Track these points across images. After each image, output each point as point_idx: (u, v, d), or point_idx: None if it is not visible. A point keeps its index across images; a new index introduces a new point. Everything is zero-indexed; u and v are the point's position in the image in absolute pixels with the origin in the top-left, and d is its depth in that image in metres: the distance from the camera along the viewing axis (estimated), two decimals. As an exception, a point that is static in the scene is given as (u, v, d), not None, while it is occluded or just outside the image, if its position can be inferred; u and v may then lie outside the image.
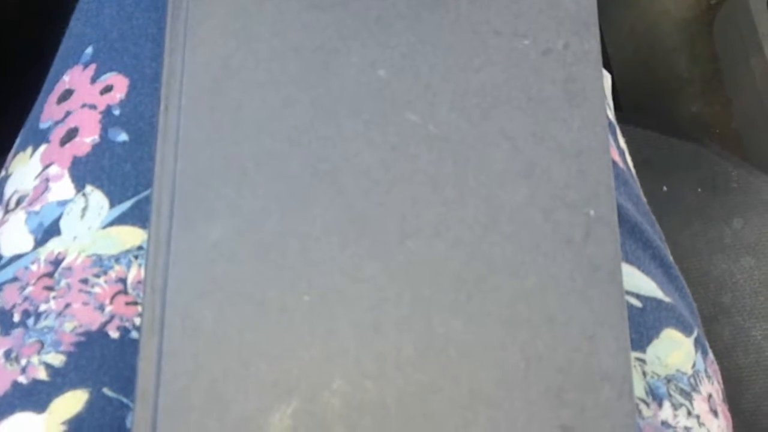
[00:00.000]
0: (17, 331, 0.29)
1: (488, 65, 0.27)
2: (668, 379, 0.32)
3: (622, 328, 0.25)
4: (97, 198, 0.31)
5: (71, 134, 0.33)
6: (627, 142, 0.39)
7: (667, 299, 0.33)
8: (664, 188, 0.47)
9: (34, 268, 0.30)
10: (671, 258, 0.36)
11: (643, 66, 0.60)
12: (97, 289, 0.30)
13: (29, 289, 0.30)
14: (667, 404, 0.31)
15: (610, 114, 0.39)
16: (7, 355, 0.29)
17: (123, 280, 0.30)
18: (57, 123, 0.34)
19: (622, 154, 0.38)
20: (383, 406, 0.24)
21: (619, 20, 0.57)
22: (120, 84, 0.33)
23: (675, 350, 0.32)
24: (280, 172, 0.26)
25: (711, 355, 0.35)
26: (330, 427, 0.24)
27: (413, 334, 0.25)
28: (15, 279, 0.31)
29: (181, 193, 0.26)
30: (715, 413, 0.33)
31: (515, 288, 0.25)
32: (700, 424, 0.31)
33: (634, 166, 0.38)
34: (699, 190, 0.48)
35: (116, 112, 0.33)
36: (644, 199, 0.38)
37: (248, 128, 0.27)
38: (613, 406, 0.24)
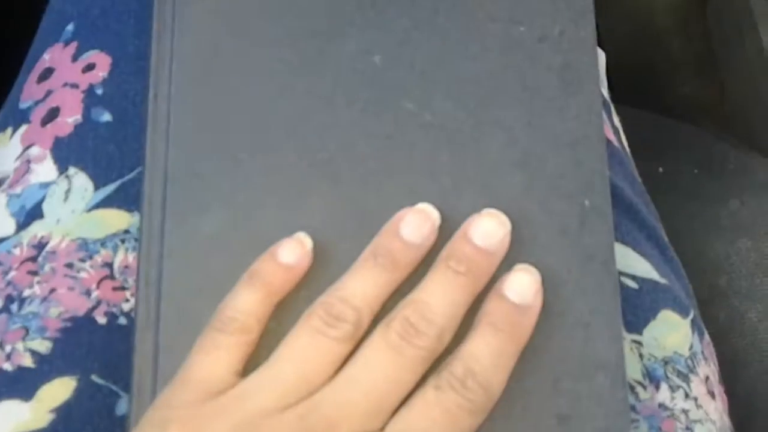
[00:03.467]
0: (0, 317, 0.29)
1: (484, 52, 0.27)
2: (665, 361, 0.31)
3: (615, 317, 0.25)
4: (80, 180, 0.30)
5: (53, 114, 0.32)
6: (623, 122, 0.38)
7: (663, 281, 0.33)
8: (660, 169, 0.47)
9: (16, 252, 0.30)
10: (667, 239, 0.36)
11: (637, 46, 0.59)
12: (83, 274, 0.29)
13: (12, 273, 0.29)
14: (664, 386, 0.31)
15: (605, 92, 0.39)
16: (-9, 341, 0.28)
17: (109, 265, 0.29)
18: (38, 102, 0.32)
19: (616, 132, 0.37)
20: None
21: (613, -1, 0.56)
22: (102, 62, 0.32)
23: (672, 332, 0.32)
24: (274, 162, 0.26)
25: (707, 337, 0.35)
26: None
27: None
28: (-3, 264, 0.30)
29: (173, 183, 0.25)
30: (712, 395, 0.33)
31: None
32: (698, 406, 0.31)
33: (630, 147, 0.38)
34: (695, 171, 0.48)
35: (99, 92, 0.32)
36: (639, 180, 0.37)
37: (241, 117, 0.26)
38: (607, 394, 0.24)
